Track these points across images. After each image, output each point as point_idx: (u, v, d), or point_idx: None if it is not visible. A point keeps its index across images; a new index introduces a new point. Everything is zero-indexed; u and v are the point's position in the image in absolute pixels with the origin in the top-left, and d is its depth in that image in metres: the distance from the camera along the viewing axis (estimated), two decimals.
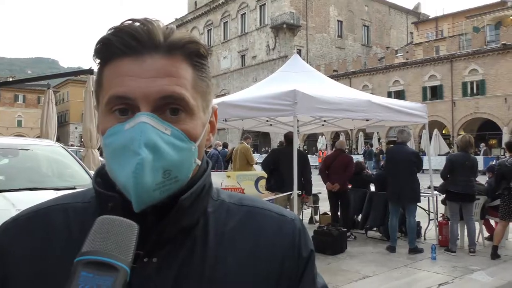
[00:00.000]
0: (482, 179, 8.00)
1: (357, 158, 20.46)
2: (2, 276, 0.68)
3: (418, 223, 7.24)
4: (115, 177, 0.64)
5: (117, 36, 0.64)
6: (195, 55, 0.68)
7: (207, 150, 12.54)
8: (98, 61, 0.67)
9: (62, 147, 5.45)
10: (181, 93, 0.64)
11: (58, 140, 8.24)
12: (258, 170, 10.08)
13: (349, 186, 8.00)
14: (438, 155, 23.39)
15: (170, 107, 0.65)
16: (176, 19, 60.54)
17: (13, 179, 4.45)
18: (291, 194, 6.08)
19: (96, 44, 0.66)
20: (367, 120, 7.41)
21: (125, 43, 0.63)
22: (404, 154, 6.66)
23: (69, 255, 0.63)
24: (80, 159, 5.61)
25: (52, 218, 0.71)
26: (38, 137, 9.22)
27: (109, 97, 0.64)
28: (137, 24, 0.65)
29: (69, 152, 5.20)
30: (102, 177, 0.70)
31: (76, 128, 62.94)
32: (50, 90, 9.03)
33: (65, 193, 0.78)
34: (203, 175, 0.71)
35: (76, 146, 21.78)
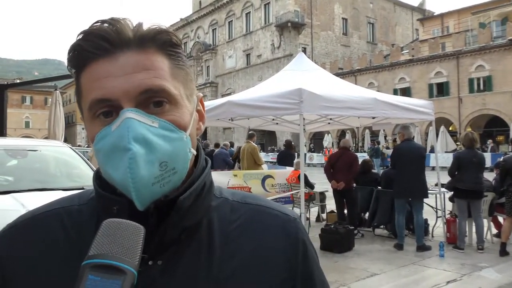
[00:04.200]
0: (490, 176, 7.94)
1: (364, 155, 20.38)
2: (1, 284, 0.67)
3: (426, 220, 7.22)
4: (113, 180, 0.63)
5: (87, 40, 0.63)
6: (168, 45, 0.67)
7: (214, 149, 12.55)
8: (74, 70, 0.67)
9: (70, 147, 5.48)
10: (160, 84, 0.63)
11: (65, 140, 8.30)
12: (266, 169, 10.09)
13: (354, 185, 7.96)
14: (445, 152, 23.24)
15: (153, 101, 0.64)
16: (181, 19, 60.75)
17: (22, 180, 4.47)
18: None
19: (68, 53, 0.65)
20: (373, 117, 7.40)
21: (96, 45, 0.63)
22: (414, 150, 6.62)
23: (68, 258, 0.65)
24: (88, 159, 5.64)
25: (49, 223, 0.71)
26: (46, 138, 9.27)
27: (90, 103, 0.64)
28: (106, 25, 0.64)
29: (76, 153, 5.22)
30: (101, 178, 0.69)
31: (83, 128, 62.98)
32: (57, 91, 9.07)
33: (62, 196, 0.77)
34: (202, 173, 0.71)
35: (84, 147, 21.93)
